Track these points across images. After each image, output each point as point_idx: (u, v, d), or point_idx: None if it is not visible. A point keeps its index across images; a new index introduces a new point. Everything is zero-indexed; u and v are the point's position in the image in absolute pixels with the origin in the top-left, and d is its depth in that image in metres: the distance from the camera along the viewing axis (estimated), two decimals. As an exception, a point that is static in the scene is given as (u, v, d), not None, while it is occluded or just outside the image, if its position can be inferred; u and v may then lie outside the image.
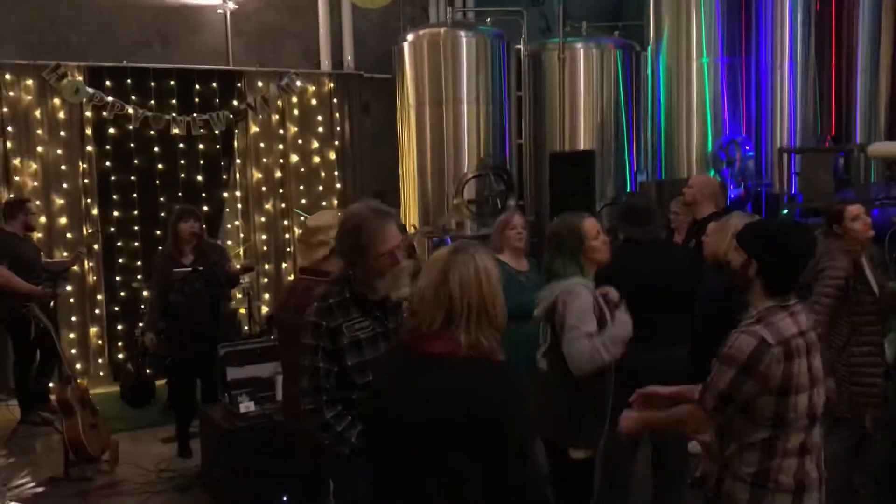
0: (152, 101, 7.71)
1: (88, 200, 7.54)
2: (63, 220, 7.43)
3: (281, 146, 8.35)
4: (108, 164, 7.60)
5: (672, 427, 2.67)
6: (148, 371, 7.04)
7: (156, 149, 7.77)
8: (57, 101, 7.40)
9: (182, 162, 7.88)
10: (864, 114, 9.20)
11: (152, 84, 7.72)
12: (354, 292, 2.73)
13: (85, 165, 7.52)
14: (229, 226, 8.24)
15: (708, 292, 3.70)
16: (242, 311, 7.52)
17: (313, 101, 8.51)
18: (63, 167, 7.42)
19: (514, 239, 4.55)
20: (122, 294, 7.64)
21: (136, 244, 7.68)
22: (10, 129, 7.27)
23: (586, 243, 3.30)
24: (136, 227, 7.69)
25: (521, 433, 2.06)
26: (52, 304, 6.48)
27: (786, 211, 7.74)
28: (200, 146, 7.95)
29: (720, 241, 3.68)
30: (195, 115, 7.84)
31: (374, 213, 2.76)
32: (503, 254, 4.41)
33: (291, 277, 8.37)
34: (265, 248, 8.33)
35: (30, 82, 7.31)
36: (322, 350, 2.71)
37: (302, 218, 7.87)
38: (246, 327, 7.52)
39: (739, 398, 2.43)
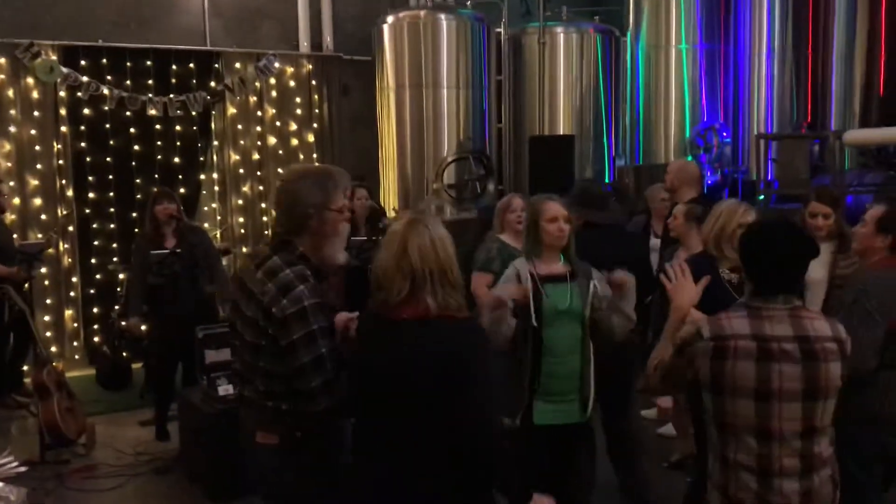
0: (128, 82, 7.60)
1: (63, 182, 7.43)
2: (37, 202, 7.31)
3: (259, 128, 8.28)
4: (83, 145, 7.49)
5: (659, 345, 2.57)
6: (124, 354, 7.00)
7: (132, 130, 7.67)
8: (30, 80, 7.27)
9: (159, 143, 7.79)
10: (839, 101, 9.33)
11: (128, 64, 7.61)
12: (311, 267, 2.58)
13: (59, 146, 7.40)
14: (206, 208, 8.17)
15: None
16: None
17: (291, 83, 8.44)
18: (37, 148, 7.30)
19: (514, 222, 4.57)
20: (98, 276, 7.56)
21: (112, 226, 7.59)
22: (-19, 108, 7.15)
23: (540, 224, 3.32)
24: (111, 209, 7.60)
25: (484, 382, 2.27)
26: (26, 286, 6.40)
27: (762, 197, 7.83)
28: (177, 128, 7.86)
29: (708, 228, 3.71)
30: (172, 96, 7.75)
31: (334, 168, 2.75)
32: (504, 234, 4.43)
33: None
34: (242, 231, 8.28)
35: (2, 61, 7.17)
36: (327, 331, 2.53)
37: None
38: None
39: (674, 375, 2.45)
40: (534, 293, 3.22)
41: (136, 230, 6.95)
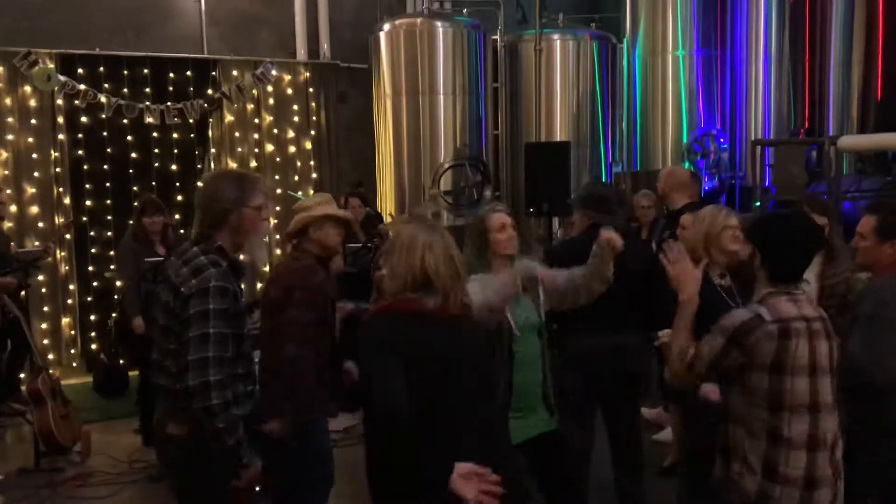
0: (125, 90, 7.63)
1: (60, 189, 7.46)
2: (34, 209, 7.34)
3: (256, 135, 8.30)
4: (80, 152, 7.53)
5: (673, 337, 2.64)
6: (121, 361, 7.00)
7: (129, 138, 7.70)
8: (28, 88, 7.30)
9: (156, 151, 7.82)
10: (836, 107, 9.31)
11: (125, 72, 7.64)
12: (230, 261, 2.70)
13: (57, 154, 7.43)
14: (204, 216, 8.16)
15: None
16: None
17: (289, 91, 8.47)
18: (34, 155, 7.33)
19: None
20: (95, 284, 7.58)
21: (109, 234, 7.61)
22: (-21, 116, 7.18)
23: (489, 236, 3.25)
24: (109, 217, 7.63)
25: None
26: (23, 293, 6.41)
27: (759, 203, 7.82)
28: (174, 135, 7.89)
29: (694, 235, 3.69)
30: (169, 103, 7.78)
31: (253, 173, 2.89)
32: None
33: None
34: (240, 238, 8.26)
35: (0, 69, 7.20)
36: (229, 314, 2.59)
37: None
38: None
39: (723, 366, 2.49)
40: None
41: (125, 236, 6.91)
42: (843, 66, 9.27)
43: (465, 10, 8.47)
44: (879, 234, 3.14)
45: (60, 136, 7.45)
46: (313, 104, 8.57)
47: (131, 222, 7.36)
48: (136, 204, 7.41)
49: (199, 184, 2.92)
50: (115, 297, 7.29)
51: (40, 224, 7.34)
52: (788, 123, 9.21)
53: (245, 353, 2.72)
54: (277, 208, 8.35)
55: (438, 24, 8.04)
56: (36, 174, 7.34)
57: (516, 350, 3.18)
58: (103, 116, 7.55)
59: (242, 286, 2.80)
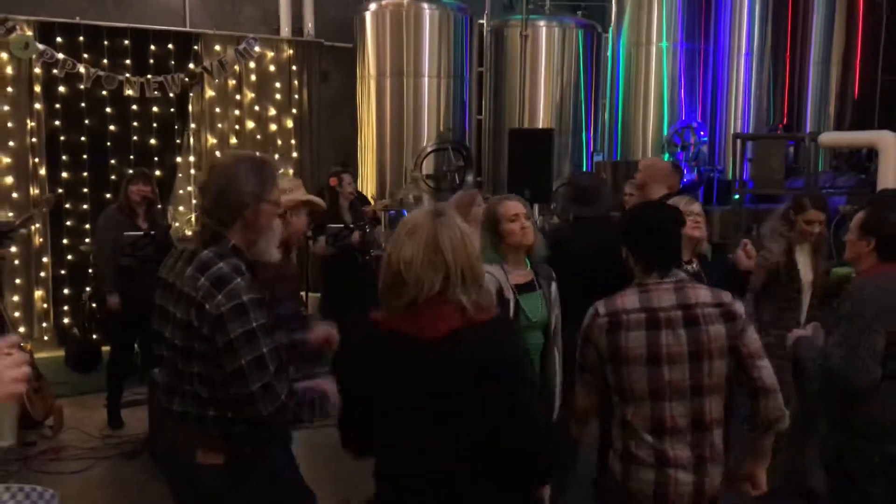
0: (105, 61, 7.50)
1: (36, 160, 7.32)
2: (9, 180, 7.21)
3: (237, 112, 8.21)
4: (57, 123, 7.38)
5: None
6: (94, 336, 6.92)
7: (108, 110, 7.56)
8: (4, 55, 7.14)
9: (135, 124, 7.69)
10: (815, 104, 9.43)
11: (105, 43, 7.50)
12: (247, 262, 2.33)
13: (33, 124, 7.29)
14: (182, 191, 8.08)
15: None
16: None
17: (271, 68, 8.38)
18: (10, 124, 7.18)
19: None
20: (70, 257, 7.46)
21: (86, 206, 7.49)
22: (-47, 82, 7.02)
23: (501, 226, 3.14)
24: (85, 190, 7.50)
25: (527, 384, 2.15)
26: (-5, 265, 6.30)
27: (737, 196, 7.89)
28: (154, 109, 7.76)
29: None
30: (149, 76, 7.65)
31: (269, 157, 2.62)
32: None
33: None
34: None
35: (-24, 35, 7.05)
36: (270, 329, 2.29)
37: None
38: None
39: (587, 365, 2.64)
40: (515, 305, 3.06)
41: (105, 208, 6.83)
42: (822, 65, 9.38)
43: (451, -7, 8.43)
44: (862, 229, 3.15)
45: (37, 106, 7.30)
46: (296, 82, 8.49)
47: (109, 196, 7.36)
48: (112, 177, 7.42)
49: (210, 168, 2.48)
50: (90, 270, 7.20)
51: (14, 195, 7.21)
52: (768, 118, 9.30)
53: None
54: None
55: (425, 5, 8.00)
56: (11, 143, 7.19)
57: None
58: (82, 87, 7.41)
59: None
